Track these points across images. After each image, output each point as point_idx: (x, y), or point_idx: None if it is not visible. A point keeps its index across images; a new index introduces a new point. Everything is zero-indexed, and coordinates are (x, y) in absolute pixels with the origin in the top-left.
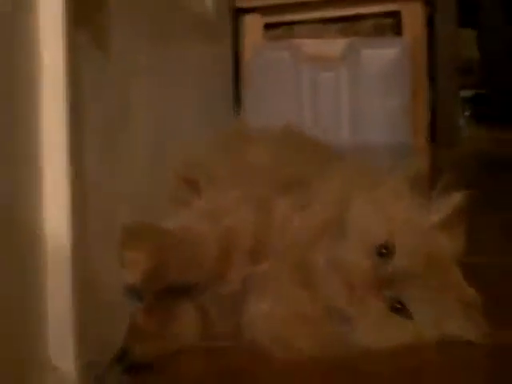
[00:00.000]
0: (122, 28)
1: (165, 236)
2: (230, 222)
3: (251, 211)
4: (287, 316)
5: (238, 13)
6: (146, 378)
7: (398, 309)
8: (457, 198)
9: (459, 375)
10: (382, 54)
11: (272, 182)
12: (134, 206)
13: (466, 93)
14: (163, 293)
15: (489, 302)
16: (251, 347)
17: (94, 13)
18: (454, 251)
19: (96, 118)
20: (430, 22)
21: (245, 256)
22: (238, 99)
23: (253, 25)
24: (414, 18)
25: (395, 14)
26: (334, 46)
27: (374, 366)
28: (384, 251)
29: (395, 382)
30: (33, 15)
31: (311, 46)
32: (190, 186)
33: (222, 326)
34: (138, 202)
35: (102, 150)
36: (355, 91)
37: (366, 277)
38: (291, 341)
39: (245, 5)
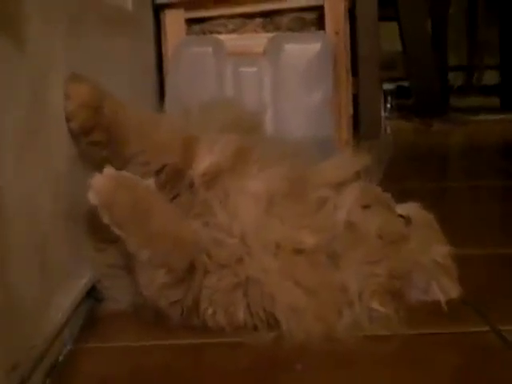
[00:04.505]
0: (37, 21)
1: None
2: None
3: None
4: None
5: (159, 8)
6: (69, 379)
7: None
8: None
9: None
10: (305, 49)
11: None
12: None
13: (388, 85)
14: None
15: None
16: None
17: (7, 6)
18: None
19: (9, 120)
20: (352, 16)
21: None
22: (161, 94)
23: (174, 20)
24: (335, 11)
25: (317, 8)
26: (257, 41)
27: None
28: None
29: None
30: None
31: (233, 41)
32: None
33: None
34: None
35: (19, 145)
36: (278, 86)
37: None
38: None
39: (165, 0)
